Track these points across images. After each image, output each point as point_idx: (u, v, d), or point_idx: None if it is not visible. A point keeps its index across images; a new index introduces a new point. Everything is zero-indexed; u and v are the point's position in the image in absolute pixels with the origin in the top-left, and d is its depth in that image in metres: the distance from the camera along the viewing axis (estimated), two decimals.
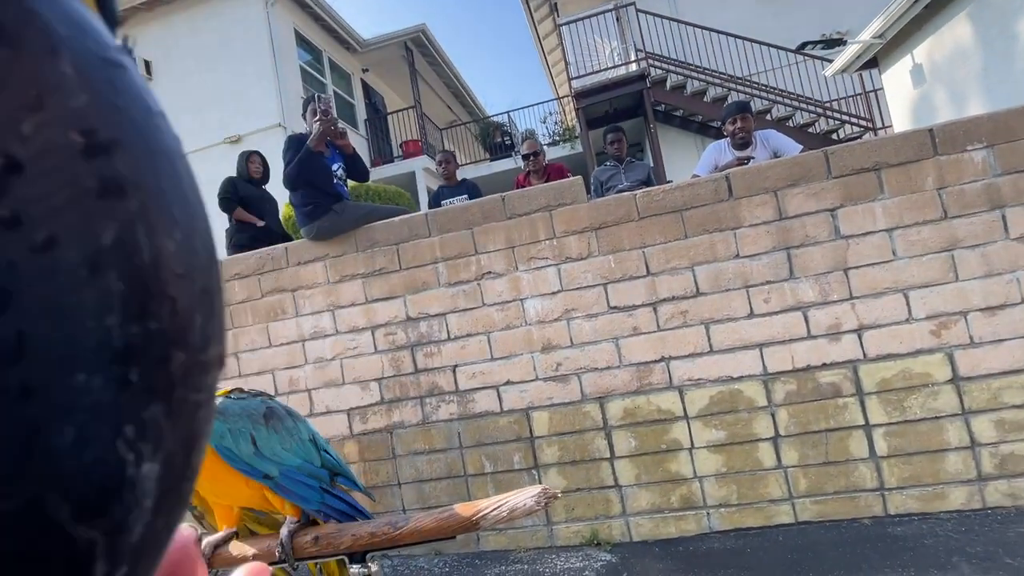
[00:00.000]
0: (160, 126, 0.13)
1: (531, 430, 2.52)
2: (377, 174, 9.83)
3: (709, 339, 2.37)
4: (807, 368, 2.27)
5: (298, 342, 2.83)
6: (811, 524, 2.26)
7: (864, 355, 2.23)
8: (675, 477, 2.39)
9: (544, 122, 11.38)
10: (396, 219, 2.76)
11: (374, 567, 0.69)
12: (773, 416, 2.30)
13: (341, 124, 3.01)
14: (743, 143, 2.80)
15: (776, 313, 2.31)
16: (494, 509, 0.60)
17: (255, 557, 0.74)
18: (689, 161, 7.80)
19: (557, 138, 10.78)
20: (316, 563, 0.84)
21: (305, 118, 3.19)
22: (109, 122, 0.12)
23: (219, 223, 3.89)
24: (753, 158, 2.65)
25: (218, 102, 8.35)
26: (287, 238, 3.55)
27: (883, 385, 2.21)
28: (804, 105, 7.20)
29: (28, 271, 0.10)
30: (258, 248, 3.03)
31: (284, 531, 0.85)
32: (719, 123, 7.08)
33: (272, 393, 2.87)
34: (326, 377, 2.82)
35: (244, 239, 3.51)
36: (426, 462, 2.65)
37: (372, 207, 2.89)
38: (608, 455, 2.45)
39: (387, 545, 0.64)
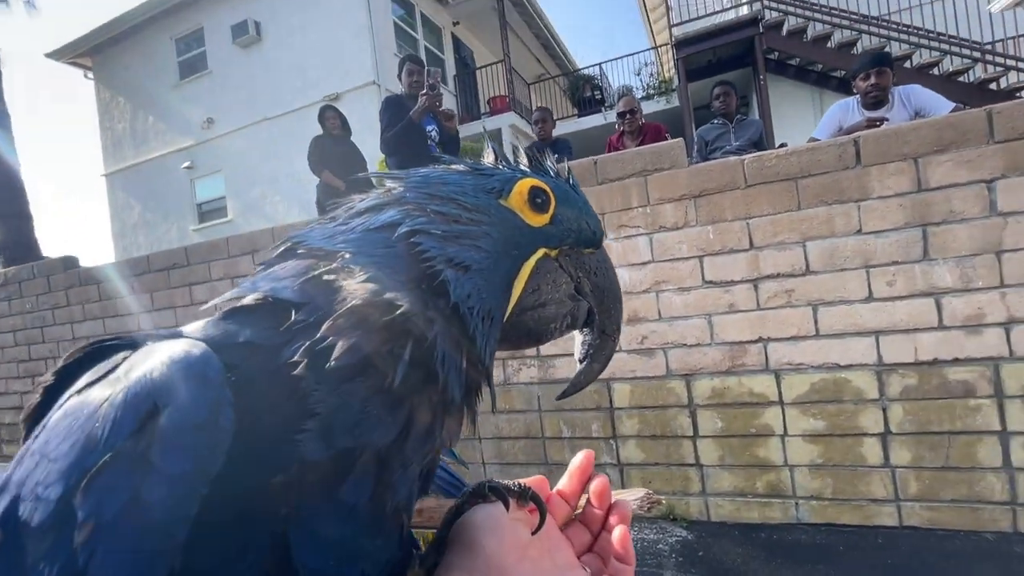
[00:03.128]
0: None
1: (611, 401, 2.50)
2: (465, 132, 9.88)
3: (816, 322, 2.17)
4: (934, 362, 2.01)
5: None
6: (919, 531, 2.06)
7: (1011, 353, 1.92)
8: (763, 462, 2.28)
9: (639, 74, 10.69)
10: None
11: None
12: (885, 411, 2.09)
13: (443, 96, 2.99)
14: (876, 101, 2.42)
15: (901, 298, 2.05)
16: None
17: None
18: (802, 118, 6.98)
19: (652, 91, 10.11)
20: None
21: (401, 79, 3.23)
22: None
23: (312, 182, 4.13)
24: (887, 119, 2.29)
25: (319, 60, 8.72)
26: None
27: None
28: (956, 48, 6.09)
29: None
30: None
31: None
32: (844, 73, 6.26)
33: None
34: None
35: (332, 199, 3.70)
36: (506, 421, 2.74)
37: None
38: (691, 433, 2.37)
39: None
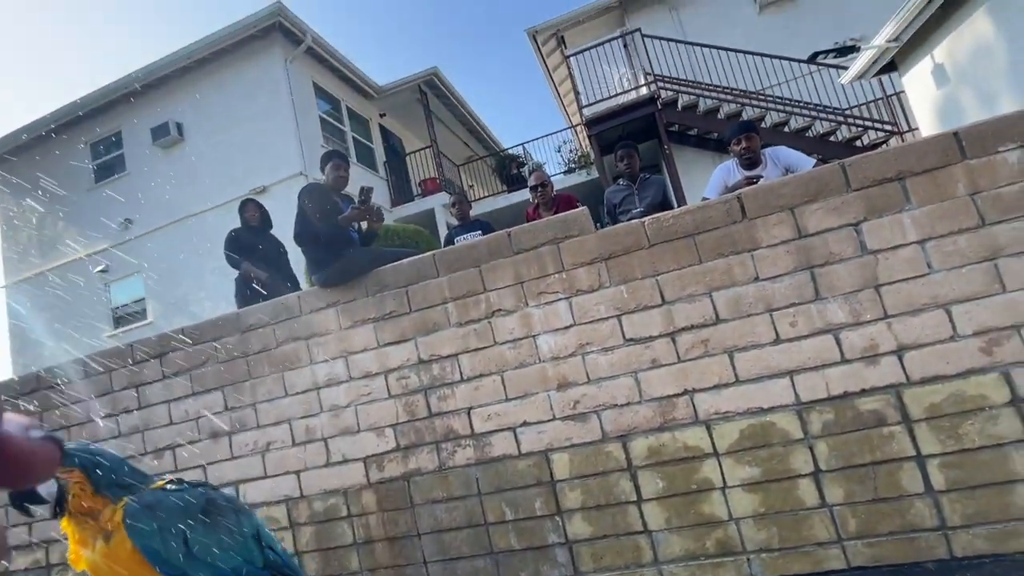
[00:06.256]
0: None
1: (551, 473, 2.39)
2: (398, 213, 10.05)
3: (734, 368, 2.23)
4: (844, 395, 2.10)
5: (313, 390, 2.81)
6: (867, 570, 2.04)
7: (907, 378, 2.04)
8: (709, 520, 2.22)
9: (559, 151, 11.47)
10: (404, 261, 2.75)
11: None
12: (811, 449, 2.12)
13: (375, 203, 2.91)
14: (750, 162, 2.71)
15: (804, 337, 2.16)
16: None
17: None
18: (708, 180, 7.67)
19: (573, 165, 10.82)
20: None
21: (324, 171, 3.27)
22: None
23: (231, 274, 3.97)
24: (762, 176, 2.55)
25: (244, 156, 8.74)
26: (294, 280, 3.58)
27: (932, 411, 2.02)
28: (823, 114, 7.03)
29: None
30: (266, 297, 3.06)
31: None
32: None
33: (290, 442, 2.84)
34: (342, 424, 2.78)
35: (252, 290, 3.56)
36: (445, 511, 2.55)
37: (379, 251, 2.90)
38: (635, 498, 2.30)
39: None
